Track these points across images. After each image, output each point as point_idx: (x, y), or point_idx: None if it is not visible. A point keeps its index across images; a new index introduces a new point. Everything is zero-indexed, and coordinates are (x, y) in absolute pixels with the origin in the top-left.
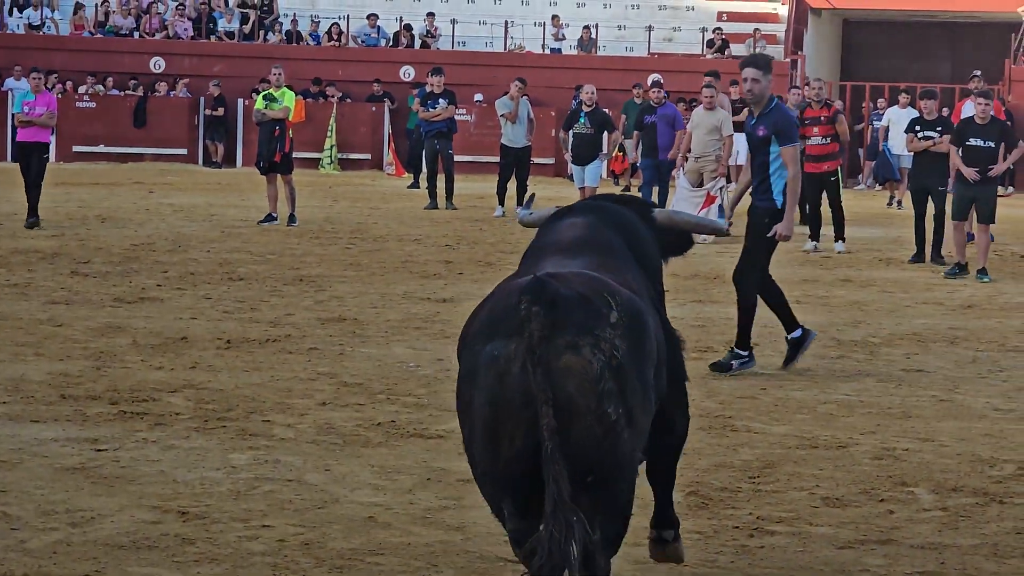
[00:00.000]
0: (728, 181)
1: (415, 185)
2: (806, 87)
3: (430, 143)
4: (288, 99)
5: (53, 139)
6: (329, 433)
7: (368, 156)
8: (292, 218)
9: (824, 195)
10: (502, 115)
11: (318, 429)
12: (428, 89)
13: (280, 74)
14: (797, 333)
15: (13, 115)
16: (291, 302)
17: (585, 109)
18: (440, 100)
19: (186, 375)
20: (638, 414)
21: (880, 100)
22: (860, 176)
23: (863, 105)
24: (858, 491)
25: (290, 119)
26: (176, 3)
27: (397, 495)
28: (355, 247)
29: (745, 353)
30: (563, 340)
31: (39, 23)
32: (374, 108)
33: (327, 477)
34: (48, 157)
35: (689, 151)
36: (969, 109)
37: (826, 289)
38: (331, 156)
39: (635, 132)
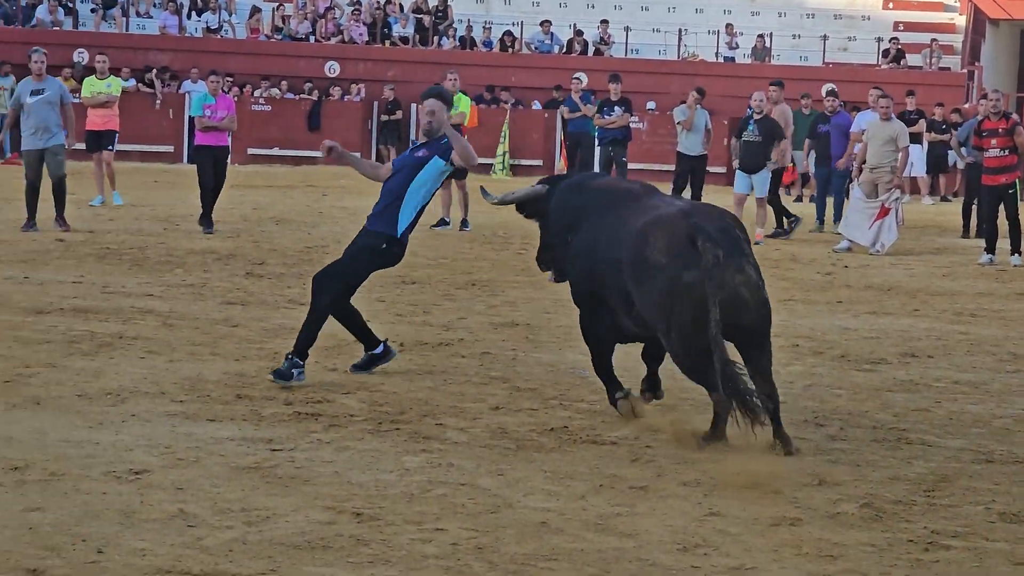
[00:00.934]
0: (903, 192)
1: None
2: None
3: (604, 150)
4: (463, 105)
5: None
6: (502, 437)
7: (540, 162)
8: (465, 223)
9: (1002, 208)
10: (678, 123)
11: (491, 433)
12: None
13: (456, 80)
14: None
15: (192, 118)
16: (464, 306)
17: (755, 116)
18: (616, 107)
19: (360, 377)
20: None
21: None
22: None
23: None
24: None
25: (465, 124)
26: (352, 8)
27: (570, 501)
28: (527, 252)
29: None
30: (734, 264)
31: (217, 27)
32: (546, 115)
33: (500, 481)
34: (228, 161)
35: (864, 162)
36: None
37: (1001, 303)
38: (503, 162)
39: (807, 141)
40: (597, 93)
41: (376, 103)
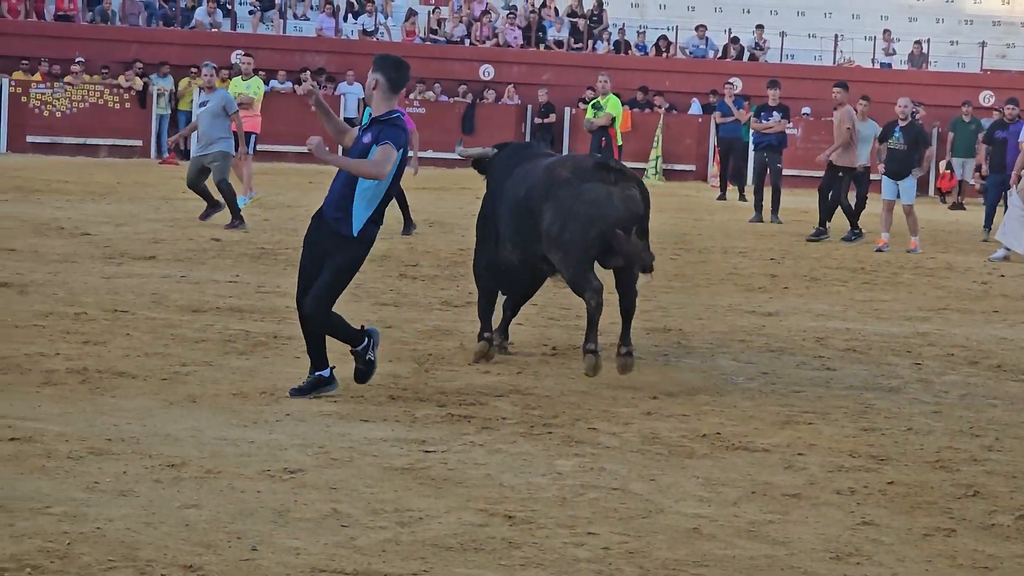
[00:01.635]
0: None
1: (722, 196)
2: None
3: (759, 155)
4: (611, 105)
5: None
6: (654, 443)
7: (692, 167)
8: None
9: None
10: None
11: (643, 438)
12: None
13: (606, 81)
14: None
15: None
16: (617, 311)
17: (900, 123)
18: (774, 113)
19: (512, 380)
20: None
21: None
22: None
23: None
24: None
25: (614, 127)
26: (507, 12)
27: (722, 507)
28: (679, 258)
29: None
30: (630, 184)
31: (372, 29)
32: (700, 119)
33: (652, 487)
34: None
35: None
36: None
37: None
38: (656, 167)
39: (981, 147)
40: (751, 98)
41: (530, 106)
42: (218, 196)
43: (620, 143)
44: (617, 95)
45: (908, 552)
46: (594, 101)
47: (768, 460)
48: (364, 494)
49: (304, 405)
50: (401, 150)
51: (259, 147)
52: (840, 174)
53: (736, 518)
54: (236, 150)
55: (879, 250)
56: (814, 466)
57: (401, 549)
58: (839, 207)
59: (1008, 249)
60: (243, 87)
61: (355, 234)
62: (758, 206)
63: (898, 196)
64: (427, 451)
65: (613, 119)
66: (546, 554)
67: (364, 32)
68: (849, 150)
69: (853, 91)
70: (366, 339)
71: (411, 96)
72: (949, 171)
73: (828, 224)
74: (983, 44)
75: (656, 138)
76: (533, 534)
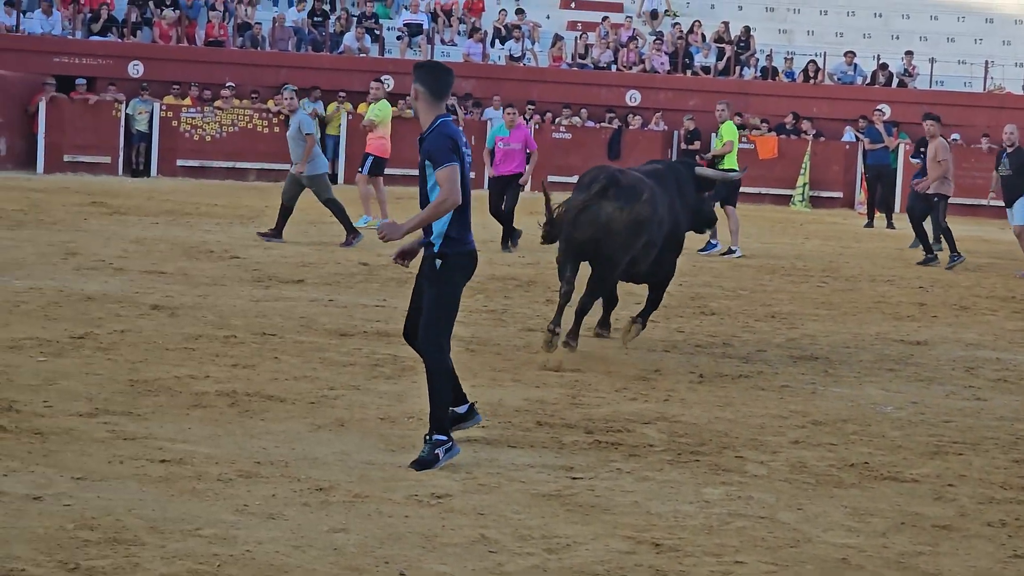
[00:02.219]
0: None
1: (870, 224)
2: None
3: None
4: (728, 132)
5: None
6: (801, 472)
7: (840, 194)
8: (731, 251)
9: None
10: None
11: (791, 467)
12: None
13: (724, 109)
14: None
15: (488, 151)
16: (763, 338)
17: (1007, 149)
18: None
19: (659, 407)
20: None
21: None
22: None
23: None
24: None
25: (718, 150)
26: (654, 38)
27: (870, 538)
28: (827, 286)
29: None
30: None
31: (520, 55)
32: (847, 147)
33: (799, 516)
34: (520, 185)
35: None
36: None
37: None
38: (803, 193)
39: None
40: (900, 125)
41: (676, 132)
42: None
43: (738, 168)
44: (733, 121)
45: None
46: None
47: (917, 490)
48: (512, 520)
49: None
50: (456, 156)
51: (397, 170)
52: (936, 199)
53: (885, 549)
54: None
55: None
56: (964, 497)
57: None
58: (942, 231)
59: None
60: (370, 112)
61: (436, 249)
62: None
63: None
64: (574, 478)
65: (732, 144)
66: None
67: (511, 57)
68: (947, 180)
69: (1006, 118)
70: (449, 439)
71: (557, 121)
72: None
73: (939, 247)
74: None
75: (804, 165)
76: (680, 562)
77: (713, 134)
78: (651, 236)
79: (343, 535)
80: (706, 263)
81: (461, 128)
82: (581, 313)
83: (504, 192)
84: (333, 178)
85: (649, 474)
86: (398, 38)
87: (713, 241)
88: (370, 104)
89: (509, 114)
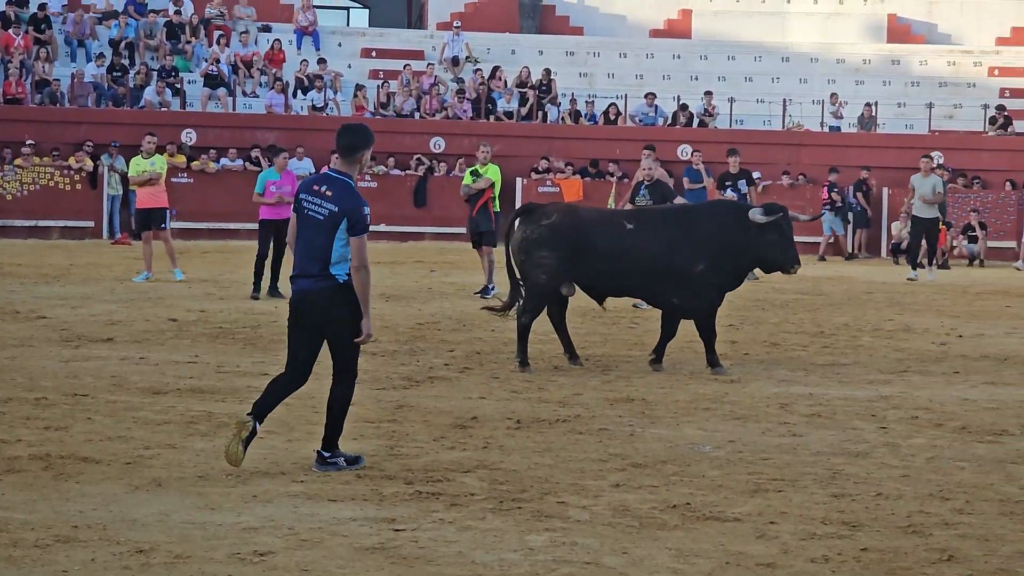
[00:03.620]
0: None
1: None
2: None
3: None
4: (491, 172)
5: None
6: (624, 515)
7: None
8: (486, 290)
9: None
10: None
11: (613, 511)
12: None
13: (487, 152)
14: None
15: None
16: (578, 381)
17: (645, 182)
18: (740, 182)
19: (478, 455)
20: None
21: None
22: None
23: None
24: None
25: (493, 192)
26: (456, 85)
27: None
28: (638, 327)
29: None
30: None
31: (322, 104)
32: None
33: (625, 560)
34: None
35: None
36: None
37: None
38: None
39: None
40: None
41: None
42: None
43: (497, 209)
44: (496, 165)
45: None
46: (473, 168)
47: (740, 529)
48: (336, 575)
49: (271, 486)
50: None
51: (216, 225)
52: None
53: None
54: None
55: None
56: (786, 534)
57: None
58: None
59: None
60: (146, 165)
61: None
62: None
63: None
64: (397, 530)
65: (492, 184)
66: None
67: (313, 108)
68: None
69: (806, 154)
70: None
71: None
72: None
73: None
74: (930, 105)
75: (609, 205)
76: None
77: (521, 178)
78: (555, 253)
79: None
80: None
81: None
82: (520, 331)
83: (272, 238)
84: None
85: (472, 523)
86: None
87: (490, 286)
88: (142, 158)
89: (285, 158)
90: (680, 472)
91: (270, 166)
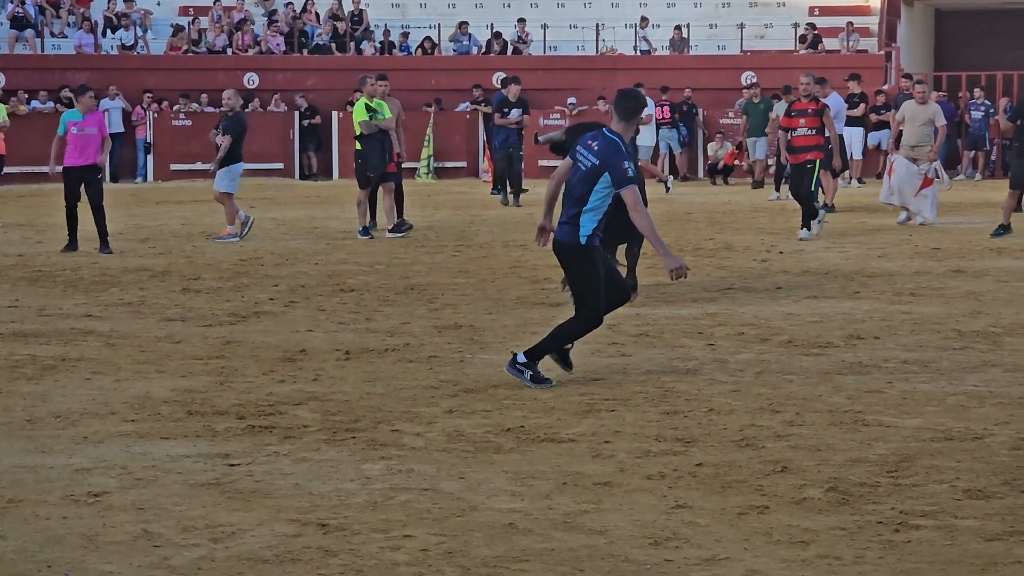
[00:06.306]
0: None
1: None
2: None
3: (504, 147)
4: (386, 111)
5: (148, 158)
6: (459, 440)
7: (464, 164)
8: (397, 227)
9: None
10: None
11: (448, 437)
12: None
13: (387, 85)
14: None
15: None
16: (405, 311)
17: (228, 114)
18: (515, 110)
19: (310, 387)
20: None
21: (977, 90)
22: (959, 167)
23: (960, 95)
24: (1000, 482)
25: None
26: (268, 19)
27: (535, 501)
28: (461, 254)
29: None
30: None
31: (132, 43)
32: (468, 115)
33: (462, 485)
34: (100, 180)
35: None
36: None
37: (939, 280)
38: (428, 165)
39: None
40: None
41: (297, 112)
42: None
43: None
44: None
45: (725, 532)
46: (366, 102)
47: (575, 450)
48: (173, 512)
49: (101, 426)
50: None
51: (29, 168)
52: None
53: (551, 510)
54: None
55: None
56: (622, 453)
57: (217, 566)
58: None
59: (907, 209)
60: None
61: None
62: (503, 190)
63: None
64: (232, 464)
65: (394, 120)
66: (364, 560)
67: (123, 47)
68: None
69: (620, 79)
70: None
71: (176, 109)
72: (738, 150)
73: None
74: (741, 26)
75: (427, 137)
76: (349, 541)
77: (336, 112)
78: None
79: (0, 542)
80: (338, 240)
81: None
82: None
83: (87, 186)
84: None
85: (307, 455)
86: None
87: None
88: None
89: (91, 97)
90: (512, 396)
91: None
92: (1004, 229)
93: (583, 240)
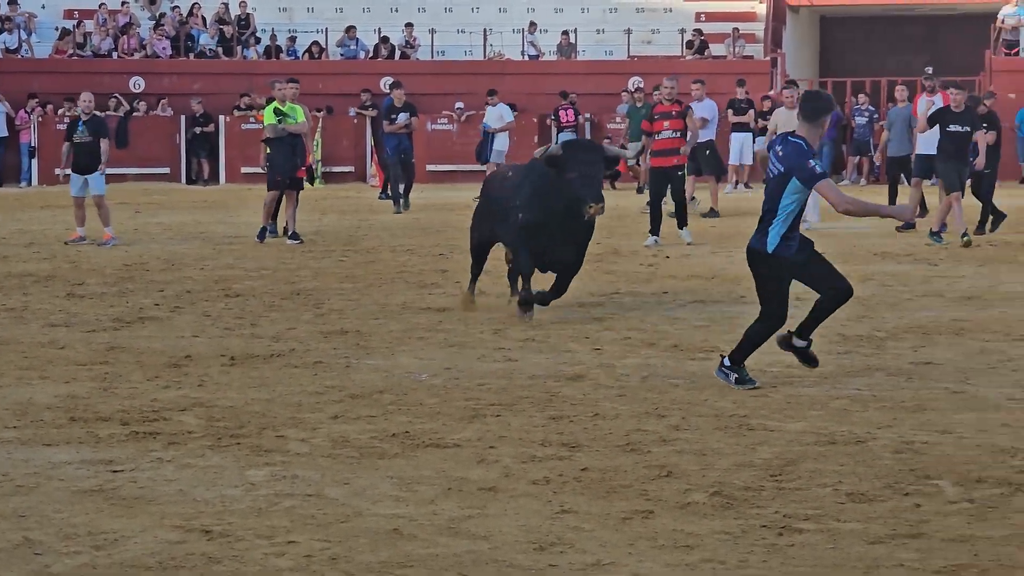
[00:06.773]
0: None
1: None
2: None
3: (396, 153)
4: (299, 115)
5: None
6: (344, 446)
7: (352, 168)
8: (296, 235)
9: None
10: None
11: (333, 442)
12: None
13: (296, 88)
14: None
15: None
16: (291, 316)
17: (83, 117)
18: (401, 114)
19: (195, 393)
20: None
21: (861, 95)
22: (844, 172)
23: (845, 100)
24: (882, 485)
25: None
26: (153, 23)
27: (419, 506)
28: (348, 259)
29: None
30: None
31: (16, 46)
32: (356, 120)
33: (347, 490)
34: None
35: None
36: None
37: None
38: (316, 170)
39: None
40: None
41: (183, 117)
42: None
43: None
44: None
45: (609, 537)
46: (275, 107)
47: (460, 455)
48: (55, 520)
49: None
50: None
51: None
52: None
53: (435, 516)
54: None
55: None
56: (507, 458)
57: (99, 573)
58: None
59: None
60: None
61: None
62: (396, 199)
63: None
64: (115, 471)
65: (306, 125)
66: (247, 566)
67: (7, 50)
68: None
69: (509, 83)
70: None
71: (60, 112)
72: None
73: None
74: (628, 31)
75: (316, 141)
76: (232, 547)
77: (224, 116)
78: None
79: None
80: (225, 245)
81: None
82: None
83: None
84: None
85: (191, 461)
86: None
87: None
88: None
89: None
90: (398, 401)
91: None
92: (936, 236)
93: (769, 249)
